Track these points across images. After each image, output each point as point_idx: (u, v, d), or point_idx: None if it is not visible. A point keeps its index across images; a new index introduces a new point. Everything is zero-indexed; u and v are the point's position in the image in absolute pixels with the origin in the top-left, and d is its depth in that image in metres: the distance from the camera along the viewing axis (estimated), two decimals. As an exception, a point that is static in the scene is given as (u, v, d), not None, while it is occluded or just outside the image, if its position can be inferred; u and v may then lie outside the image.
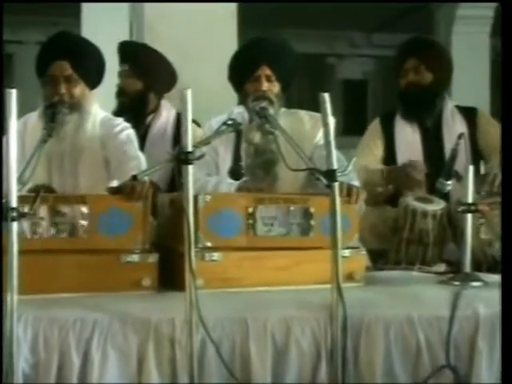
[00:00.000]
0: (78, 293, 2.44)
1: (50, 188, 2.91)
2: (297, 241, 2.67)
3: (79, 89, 3.08)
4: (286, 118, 3.18)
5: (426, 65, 3.58)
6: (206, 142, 2.60)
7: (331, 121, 2.33)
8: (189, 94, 2.25)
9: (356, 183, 2.88)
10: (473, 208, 2.70)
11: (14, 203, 2.07)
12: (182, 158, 2.22)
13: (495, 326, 2.36)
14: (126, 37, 5.00)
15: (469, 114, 3.64)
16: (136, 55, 3.77)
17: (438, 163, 3.36)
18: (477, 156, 3.43)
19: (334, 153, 2.30)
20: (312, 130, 3.21)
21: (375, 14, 8.61)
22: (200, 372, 2.21)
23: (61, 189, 3.01)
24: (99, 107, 3.22)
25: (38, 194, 2.22)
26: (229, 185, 3.01)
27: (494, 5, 7.46)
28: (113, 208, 2.54)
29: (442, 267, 3.07)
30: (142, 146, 3.45)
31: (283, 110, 3.24)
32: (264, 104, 3.08)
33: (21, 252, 2.09)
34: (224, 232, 2.60)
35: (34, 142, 2.89)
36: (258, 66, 3.16)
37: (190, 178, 2.22)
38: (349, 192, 2.72)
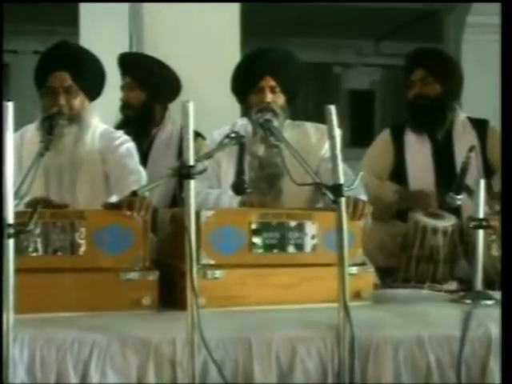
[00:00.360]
0: (76, 312, 2.44)
1: (48, 201, 2.90)
2: (301, 257, 2.67)
3: (79, 100, 3.09)
4: (292, 131, 3.20)
5: (434, 76, 3.59)
6: (208, 155, 2.61)
7: (337, 133, 2.34)
8: (190, 106, 2.26)
9: (363, 197, 2.88)
10: (484, 224, 2.70)
11: (10, 219, 2.07)
12: (183, 173, 2.23)
13: (508, 346, 2.35)
14: (125, 47, 5.01)
15: (480, 126, 3.65)
16: (137, 66, 3.79)
17: (448, 177, 3.36)
18: (489, 169, 3.43)
19: (341, 166, 2.31)
20: (318, 142, 3.22)
21: (383, 22, 8.63)
22: (202, 394, 2.21)
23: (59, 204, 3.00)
24: (99, 120, 3.23)
25: (36, 209, 2.22)
26: (231, 198, 3.02)
27: (505, 12, 7.46)
28: (112, 224, 2.54)
29: (452, 285, 3.07)
30: (145, 159, 3.47)
31: (288, 122, 3.25)
32: (268, 116, 3.09)
33: (17, 270, 2.09)
34: (226, 249, 2.60)
35: (31, 156, 2.90)
36: (262, 76, 3.17)
37: (192, 193, 2.23)
38: (354, 207, 2.72)
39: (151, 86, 3.72)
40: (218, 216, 2.61)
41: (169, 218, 2.82)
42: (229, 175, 3.09)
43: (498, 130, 3.85)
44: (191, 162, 2.23)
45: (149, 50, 4.27)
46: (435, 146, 3.62)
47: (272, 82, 3.16)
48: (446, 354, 2.35)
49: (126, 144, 3.16)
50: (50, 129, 2.98)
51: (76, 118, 3.09)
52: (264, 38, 6.11)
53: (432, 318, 2.50)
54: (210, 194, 3.11)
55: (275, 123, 3.07)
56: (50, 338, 2.22)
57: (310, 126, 3.30)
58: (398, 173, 3.64)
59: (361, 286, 2.67)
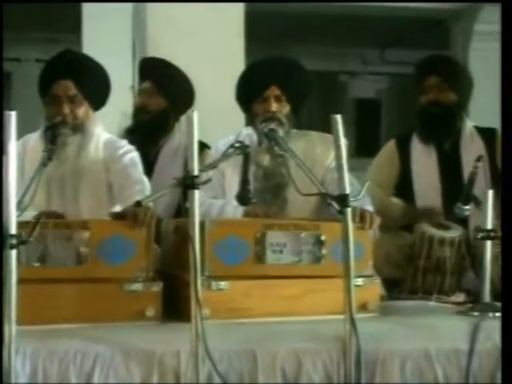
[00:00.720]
0: (79, 323, 2.45)
1: (58, 215, 2.89)
2: (307, 269, 2.67)
3: (83, 110, 3.09)
4: (297, 140, 3.20)
5: (449, 84, 3.58)
6: (212, 165, 2.62)
7: (343, 143, 2.35)
8: (195, 115, 2.27)
9: (370, 208, 2.89)
10: (492, 235, 2.70)
11: (13, 230, 2.08)
12: (187, 183, 2.24)
13: (517, 359, 2.35)
14: (128, 54, 5.04)
15: (488, 135, 3.64)
16: (160, 72, 3.74)
17: (455, 187, 3.36)
18: (497, 179, 3.42)
19: (347, 176, 2.32)
20: (323, 152, 3.22)
21: (388, 30, 8.64)
22: (206, 407, 2.21)
23: (61, 214, 3.01)
24: (102, 128, 3.23)
25: (38, 220, 2.23)
26: (235, 208, 3.03)
27: (513, 20, 7.47)
28: (116, 235, 2.55)
29: (460, 297, 3.07)
30: (151, 168, 3.46)
31: (294, 131, 3.25)
32: (273, 125, 3.09)
33: (19, 281, 2.09)
34: (231, 260, 2.61)
35: (33, 164, 2.90)
36: (267, 85, 3.17)
37: (196, 204, 2.24)
38: (362, 217, 2.72)
39: (172, 94, 3.68)
40: (222, 226, 2.62)
41: (173, 228, 2.83)
42: (233, 185, 3.09)
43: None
44: (196, 172, 2.24)
45: (151, 57, 4.28)
46: (442, 156, 3.62)
47: (277, 91, 3.17)
48: (454, 367, 2.35)
49: (130, 154, 3.16)
50: (52, 138, 2.98)
51: (80, 128, 3.09)
52: (269, 46, 6.13)
53: (439, 331, 2.50)
54: (214, 205, 3.12)
55: (280, 133, 3.08)
56: (52, 350, 2.23)
57: (315, 136, 3.31)
58: (404, 183, 3.64)
59: (367, 298, 2.67)
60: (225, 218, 3.02)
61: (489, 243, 2.70)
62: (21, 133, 2.77)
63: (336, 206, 2.29)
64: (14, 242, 2.07)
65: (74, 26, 5.66)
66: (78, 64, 3.14)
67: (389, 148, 3.77)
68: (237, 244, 2.62)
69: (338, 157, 2.34)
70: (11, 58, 8.03)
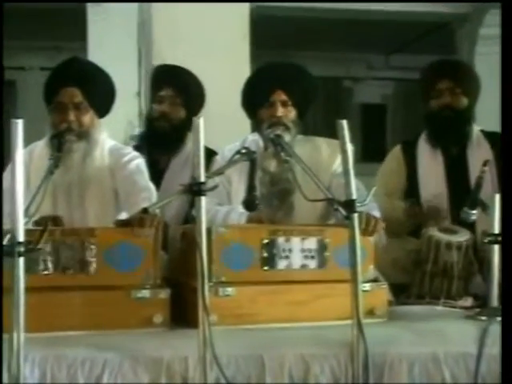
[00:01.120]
0: (87, 331, 2.46)
1: (57, 219, 2.92)
2: (314, 274, 2.68)
3: (88, 117, 3.11)
4: (303, 146, 3.21)
5: (462, 88, 3.58)
6: (219, 172, 2.63)
7: (349, 148, 2.36)
8: (201, 122, 2.28)
9: (376, 213, 2.89)
10: (500, 239, 2.71)
11: (20, 237, 2.09)
12: (194, 189, 2.25)
13: (525, 363, 2.36)
14: (134, 62, 5.05)
15: (494, 139, 3.64)
16: (182, 81, 3.74)
17: (462, 191, 3.37)
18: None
19: (353, 182, 2.33)
20: (329, 157, 3.23)
21: (393, 35, 8.65)
22: (214, 412, 2.22)
23: (68, 221, 3.03)
24: (107, 136, 3.25)
25: (46, 227, 2.24)
26: (239, 215, 3.04)
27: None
28: (123, 242, 2.56)
29: (468, 301, 3.07)
30: (161, 176, 3.47)
31: (300, 136, 3.26)
32: (279, 131, 3.10)
33: (27, 288, 2.10)
34: (238, 265, 2.62)
35: (39, 172, 2.93)
36: (273, 91, 3.19)
37: (203, 210, 2.25)
38: (366, 223, 2.73)
39: (192, 104, 3.68)
40: (229, 232, 2.62)
41: (180, 235, 2.84)
42: (240, 191, 3.11)
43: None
44: (202, 179, 2.25)
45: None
46: (449, 161, 3.62)
47: (283, 96, 3.18)
48: (462, 371, 2.35)
49: (136, 160, 3.18)
50: (59, 146, 3.00)
51: (85, 135, 3.11)
52: (274, 51, 6.15)
53: (447, 335, 2.51)
54: (219, 211, 3.13)
55: (287, 138, 3.09)
56: (60, 357, 2.24)
57: (321, 141, 3.32)
58: (411, 188, 3.65)
59: (374, 303, 2.68)
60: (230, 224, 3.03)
61: (496, 247, 2.70)
62: (25, 141, 2.77)
63: (343, 211, 2.30)
64: (21, 249, 2.08)
65: (78, 34, 5.69)
66: (85, 72, 3.16)
67: (394, 155, 3.78)
68: (243, 250, 2.63)
69: (345, 162, 2.34)
70: (16, 67, 8.05)
